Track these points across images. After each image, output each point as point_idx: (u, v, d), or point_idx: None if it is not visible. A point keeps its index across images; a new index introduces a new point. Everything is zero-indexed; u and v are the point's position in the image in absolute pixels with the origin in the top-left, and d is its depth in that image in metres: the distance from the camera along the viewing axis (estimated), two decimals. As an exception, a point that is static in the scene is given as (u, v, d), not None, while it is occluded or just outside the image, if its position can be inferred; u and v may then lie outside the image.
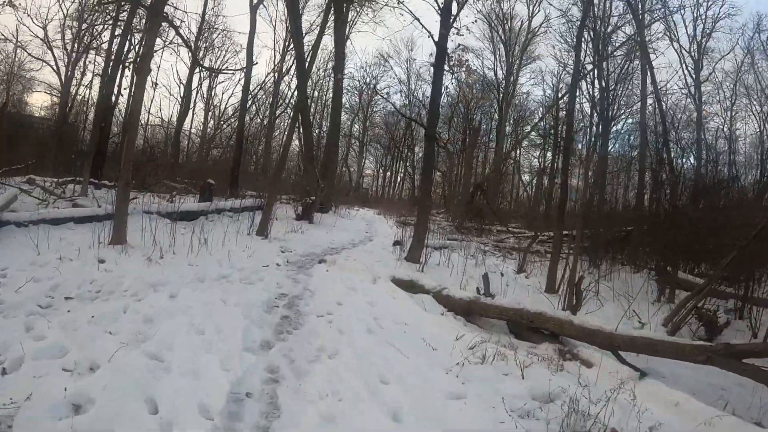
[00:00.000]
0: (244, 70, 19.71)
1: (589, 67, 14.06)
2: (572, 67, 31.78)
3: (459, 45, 11.13)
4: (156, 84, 24.14)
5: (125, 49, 17.44)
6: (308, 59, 14.12)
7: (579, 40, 11.09)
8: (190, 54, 17.46)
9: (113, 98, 18.01)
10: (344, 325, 5.58)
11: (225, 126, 33.91)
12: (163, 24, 19.46)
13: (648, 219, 16.23)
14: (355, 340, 5.14)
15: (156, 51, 24.21)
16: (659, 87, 18.56)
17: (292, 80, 29.83)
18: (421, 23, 10.83)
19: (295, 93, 21.56)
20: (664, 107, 22.87)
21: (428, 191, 10.44)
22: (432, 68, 12.54)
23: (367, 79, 41.14)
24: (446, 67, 10.79)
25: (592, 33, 17.72)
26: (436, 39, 10.46)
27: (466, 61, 10.94)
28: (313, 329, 5.39)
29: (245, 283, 6.97)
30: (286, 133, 12.39)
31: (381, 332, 5.51)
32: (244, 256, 8.68)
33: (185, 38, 15.50)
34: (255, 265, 8.06)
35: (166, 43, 24.14)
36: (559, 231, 11.16)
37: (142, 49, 11.12)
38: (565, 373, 5.34)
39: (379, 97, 44.02)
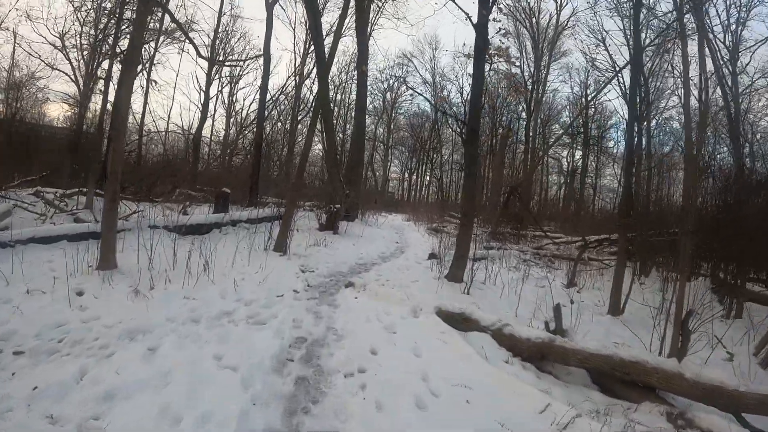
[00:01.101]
0: (262, 69, 18.22)
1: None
2: (601, 62, 29.96)
3: (500, 29, 9.40)
4: (153, 81, 22.78)
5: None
6: (328, 52, 12.50)
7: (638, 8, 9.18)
8: (193, 48, 15.92)
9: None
10: (383, 392, 3.92)
11: (246, 132, 32.58)
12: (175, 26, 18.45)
13: (706, 220, 14.28)
14: (401, 424, 3.49)
15: (152, 43, 23.09)
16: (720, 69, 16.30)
17: (313, 84, 28.48)
18: (456, 4, 9.16)
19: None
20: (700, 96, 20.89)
21: (472, 198, 8.70)
22: (466, 58, 10.96)
23: (391, 81, 39.58)
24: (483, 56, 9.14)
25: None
26: (475, 21, 8.80)
27: (507, 48, 9.20)
28: (339, 402, 3.75)
29: (252, 323, 5.35)
30: (306, 134, 10.69)
31: (435, 405, 3.83)
32: (255, 282, 7.07)
33: (181, 24, 13.97)
34: (267, 295, 6.43)
35: (166, 34, 22.63)
36: (624, 237, 9.31)
37: (129, 37, 9.59)
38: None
39: (403, 98, 42.57)
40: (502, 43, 9.35)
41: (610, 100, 51.50)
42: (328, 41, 19.65)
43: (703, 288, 11.43)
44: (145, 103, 27.84)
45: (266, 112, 28.16)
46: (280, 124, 33.19)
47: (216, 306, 5.70)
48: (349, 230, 14.25)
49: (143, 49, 24.20)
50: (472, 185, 8.52)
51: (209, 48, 26.43)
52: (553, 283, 11.24)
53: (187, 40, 15.89)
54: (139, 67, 21.46)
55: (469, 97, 9.47)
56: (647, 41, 19.01)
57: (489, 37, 9.04)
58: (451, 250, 10.79)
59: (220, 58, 28.96)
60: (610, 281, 11.94)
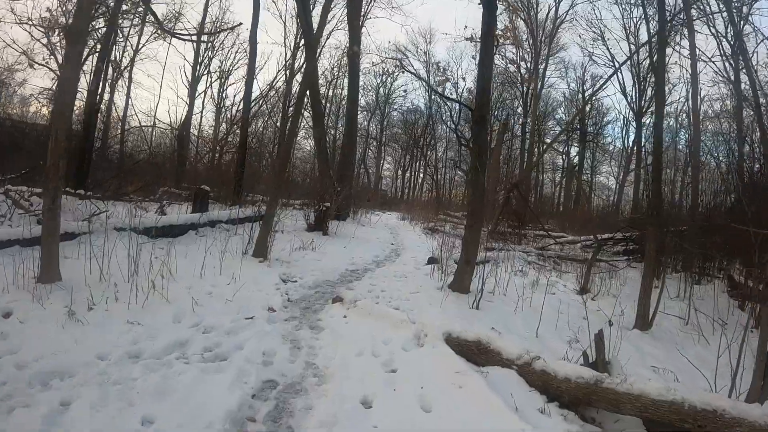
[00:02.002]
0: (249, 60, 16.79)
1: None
2: (599, 56, 28.89)
3: (508, 6, 8.20)
4: (113, 63, 21.23)
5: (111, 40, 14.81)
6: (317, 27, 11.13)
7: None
8: (156, 21, 14.53)
9: (97, 95, 15.32)
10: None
11: (236, 129, 31.10)
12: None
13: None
14: None
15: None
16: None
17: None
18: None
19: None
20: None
21: (480, 195, 7.44)
22: (469, 42, 9.80)
23: (387, 66, 38.17)
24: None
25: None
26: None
27: (515, 29, 8.02)
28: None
29: (210, 358, 4.06)
30: (291, 121, 9.33)
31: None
32: (223, 298, 5.77)
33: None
34: (235, 317, 5.14)
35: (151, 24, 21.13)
36: (654, 238, 8.01)
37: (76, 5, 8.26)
38: None
39: (397, 94, 41.33)
40: (512, 21, 8.17)
41: (607, 96, 50.49)
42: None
43: (711, 291, 10.37)
44: (128, 97, 26.47)
45: (256, 107, 26.83)
46: (269, 119, 31.77)
47: (166, 334, 4.42)
48: (340, 231, 13.01)
49: (126, 43, 22.98)
50: (481, 181, 7.25)
51: (195, 38, 25.07)
52: (564, 288, 10.08)
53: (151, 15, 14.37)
54: (125, 60, 20.19)
55: (475, 81, 8.19)
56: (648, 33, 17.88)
57: (497, 14, 7.83)
58: (451, 253, 9.61)
59: (205, 46, 27.62)
60: (623, 285, 10.76)
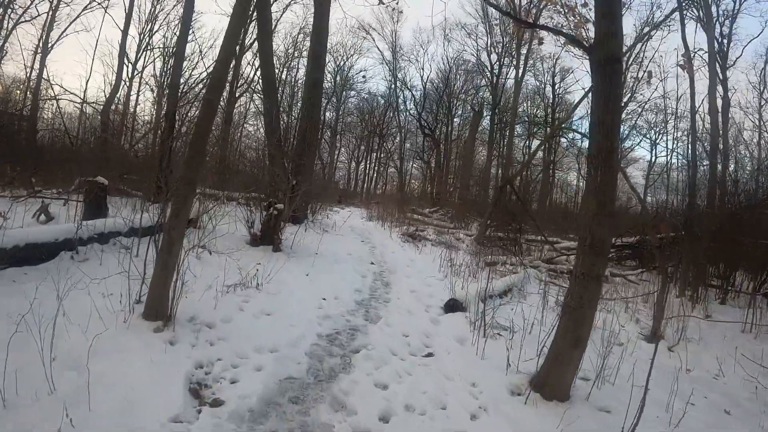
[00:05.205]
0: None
1: None
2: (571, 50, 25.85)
3: None
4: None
5: None
6: None
7: None
8: None
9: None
10: None
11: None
12: None
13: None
14: None
15: None
16: None
17: (256, 58, 22.75)
18: None
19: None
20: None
21: (611, 211, 3.34)
22: None
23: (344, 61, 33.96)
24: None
25: None
26: None
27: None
28: None
29: None
30: (227, 26, 4.74)
31: None
32: None
33: None
34: None
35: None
36: None
37: None
38: None
39: (354, 81, 37.25)
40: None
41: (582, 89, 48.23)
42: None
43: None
44: (42, 66, 21.15)
45: (200, 86, 22.24)
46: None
47: None
48: (297, 243, 8.74)
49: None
50: (611, 183, 3.27)
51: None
52: (621, 329, 6.37)
53: None
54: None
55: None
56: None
57: None
58: (466, 280, 5.83)
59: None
60: (675, 318, 7.00)
